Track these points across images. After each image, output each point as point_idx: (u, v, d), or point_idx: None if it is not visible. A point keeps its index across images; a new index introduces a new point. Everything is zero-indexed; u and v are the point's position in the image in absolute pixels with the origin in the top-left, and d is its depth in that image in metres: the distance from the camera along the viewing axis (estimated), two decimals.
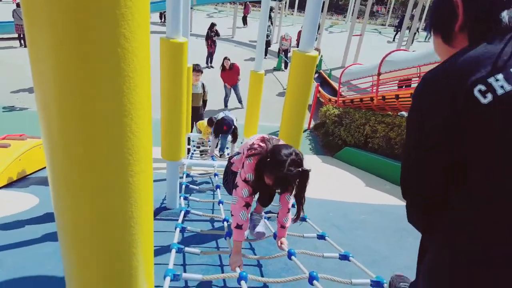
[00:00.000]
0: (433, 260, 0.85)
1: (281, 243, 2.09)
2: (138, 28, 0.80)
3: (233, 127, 4.36)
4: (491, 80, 0.71)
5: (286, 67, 14.82)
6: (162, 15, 20.37)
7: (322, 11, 13.65)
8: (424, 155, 0.82)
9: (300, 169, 1.65)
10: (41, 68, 0.76)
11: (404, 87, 8.70)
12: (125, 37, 0.77)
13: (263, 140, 1.88)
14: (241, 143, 5.49)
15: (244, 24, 22.06)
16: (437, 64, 0.82)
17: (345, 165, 6.72)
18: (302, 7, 27.58)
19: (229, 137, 4.71)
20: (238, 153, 2.19)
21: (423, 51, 8.20)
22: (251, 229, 2.35)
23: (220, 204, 2.90)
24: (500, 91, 0.70)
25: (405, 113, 8.24)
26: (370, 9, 17.47)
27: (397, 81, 8.58)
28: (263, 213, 2.48)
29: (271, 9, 17.34)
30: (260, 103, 5.14)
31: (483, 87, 0.71)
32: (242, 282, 1.71)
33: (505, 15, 0.79)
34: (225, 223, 2.59)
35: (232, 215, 1.95)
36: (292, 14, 29.76)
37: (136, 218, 0.97)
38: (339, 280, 1.77)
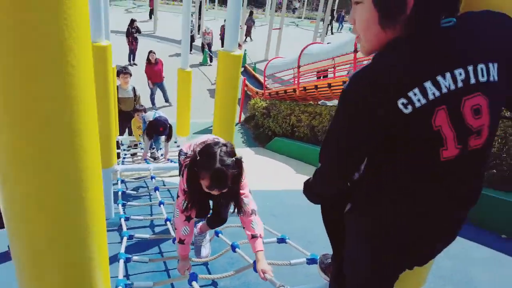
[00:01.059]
0: (372, 224, 1.01)
1: (263, 273, 1.65)
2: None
3: (168, 126, 4.35)
4: (410, 94, 0.79)
5: (211, 60, 14.86)
6: None
7: (242, 5, 13.86)
8: (351, 147, 0.90)
9: (234, 158, 1.56)
10: None
11: (322, 77, 9.40)
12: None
13: (200, 144, 1.73)
14: (175, 142, 5.48)
15: (150, 18, 20.47)
16: (365, 66, 0.83)
17: (276, 154, 7.11)
18: (224, 1, 27.62)
19: (163, 137, 4.67)
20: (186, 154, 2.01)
21: (335, 43, 8.95)
22: (197, 253, 2.32)
23: (161, 205, 2.95)
24: (417, 104, 0.79)
25: (326, 102, 8.95)
26: (287, 2, 18.27)
27: (315, 72, 9.23)
28: (207, 232, 2.40)
29: (193, 3, 17.08)
30: (191, 100, 5.18)
31: (405, 101, 0.79)
32: (194, 283, 1.78)
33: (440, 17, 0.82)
34: (168, 223, 2.66)
35: (175, 229, 1.92)
36: (213, 8, 29.58)
37: (91, 228, 1.02)
38: (280, 263, 1.96)
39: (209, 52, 14.82)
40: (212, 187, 1.56)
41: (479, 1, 0.98)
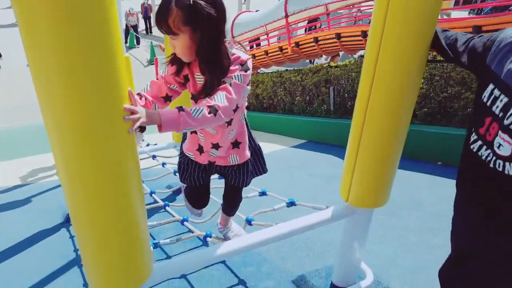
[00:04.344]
0: None
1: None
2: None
3: None
4: None
5: (138, 43, 14.10)
6: None
7: None
8: None
9: None
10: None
11: (254, 46, 9.54)
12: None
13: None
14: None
15: None
16: None
17: None
18: None
19: None
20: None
21: (265, 11, 9.08)
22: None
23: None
24: None
25: (264, 70, 9.16)
26: None
27: (247, 42, 9.32)
28: (230, 221, 2.00)
29: None
30: (134, 86, 5.02)
31: None
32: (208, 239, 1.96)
33: None
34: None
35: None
36: None
37: (140, 210, 1.14)
38: (266, 210, 2.19)
39: (136, 34, 14.02)
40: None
41: None
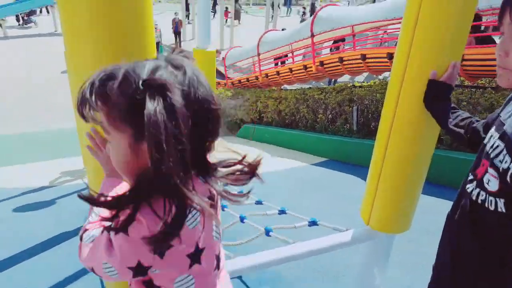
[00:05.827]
0: None
1: None
2: None
3: None
4: None
5: None
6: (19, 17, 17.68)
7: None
8: None
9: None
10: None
11: (280, 63, 9.66)
12: None
13: None
14: None
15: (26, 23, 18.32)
16: None
17: (248, 141, 7.29)
18: None
19: None
20: None
21: (291, 30, 9.23)
22: None
23: None
24: None
25: (287, 87, 9.24)
26: None
27: (272, 59, 9.47)
28: None
29: None
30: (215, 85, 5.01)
31: None
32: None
33: None
34: None
35: None
36: (159, 1, 28.62)
37: None
38: (286, 227, 2.15)
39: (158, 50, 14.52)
40: None
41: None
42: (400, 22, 6.93)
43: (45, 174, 4.68)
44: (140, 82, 0.60)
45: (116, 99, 0.62)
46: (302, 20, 21.03)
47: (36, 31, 17.05)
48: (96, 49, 0.88)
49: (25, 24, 18.01)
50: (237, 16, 20.48)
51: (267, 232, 2.09)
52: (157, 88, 0.59)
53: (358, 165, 4.86)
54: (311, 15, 11.58)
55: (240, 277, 2.21)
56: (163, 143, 0.57)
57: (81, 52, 0.91)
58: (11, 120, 8.30)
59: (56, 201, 3.67)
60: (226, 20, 18.11)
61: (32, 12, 18.37)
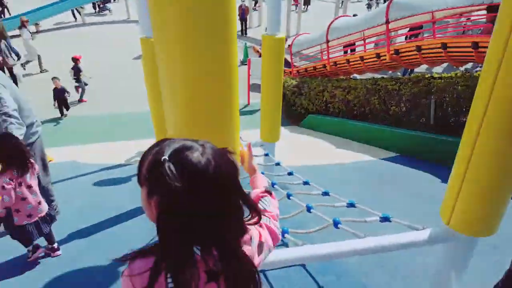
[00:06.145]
0: None
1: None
2: None
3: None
4: None
5: None
6: (95, 5, 19.24)
7: None
8: None
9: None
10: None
11: (349, 51, 9.26)
12: None
13: None
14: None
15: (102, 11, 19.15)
16: None
17: (312, 131, 7.19)
18: None
19: None
20: None
21: (364, 15, 8.76)
22: None
23: None
24: None
25: (357, 76, 8.87)
26: None
27: (342, 47, 9.09)
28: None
29: None
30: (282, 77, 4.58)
31: None
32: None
33: None
34: None
35: None
36: None
37: None
38: (357, 220, 2.06)
39: None
40: None
41: None
42: (485, 9, 6.21)
43: (122, 152, 5.14)
44: None
45: None
46: (369, 6, 19.85)
47: (111, 18, 18.30)
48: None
49: (101, 12, 19.34)
50: (306, 1, 20.14)
51: (336, 224, 2.05)
52: None
53: (432, 162, 4.52)
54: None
55: (303, 265, 2.22)
56: None
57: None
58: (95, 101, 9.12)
59: (131, 178, 4.01)
60: (296, 5, 17.74)
61: (107, 0, 19.85)
